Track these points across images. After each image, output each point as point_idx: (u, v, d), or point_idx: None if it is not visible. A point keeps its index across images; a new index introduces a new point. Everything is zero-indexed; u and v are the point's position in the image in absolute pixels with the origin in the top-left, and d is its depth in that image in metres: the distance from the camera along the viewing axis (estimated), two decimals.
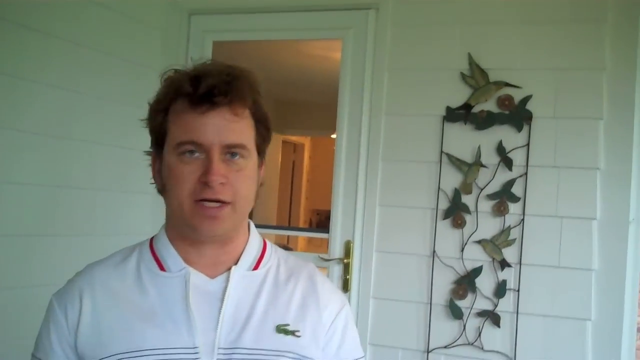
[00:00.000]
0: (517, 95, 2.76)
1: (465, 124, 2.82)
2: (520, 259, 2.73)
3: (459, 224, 2.82)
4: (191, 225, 1.26)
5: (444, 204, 2.85)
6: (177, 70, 1.30)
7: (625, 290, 2.65)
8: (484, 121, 2.79)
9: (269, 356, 1.26)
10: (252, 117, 1.30)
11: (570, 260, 2.67)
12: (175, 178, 1.25)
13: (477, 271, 2.78)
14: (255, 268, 1.35)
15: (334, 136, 3.09)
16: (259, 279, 1.34)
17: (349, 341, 1.40)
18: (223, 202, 1.24)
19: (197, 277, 1.29)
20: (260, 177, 1.36)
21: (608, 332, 2.65)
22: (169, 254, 1.32)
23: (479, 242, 2.79)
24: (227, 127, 1.25)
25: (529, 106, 2.74)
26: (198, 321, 1.25)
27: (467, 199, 2.81)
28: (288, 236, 8.15)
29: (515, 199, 2.74)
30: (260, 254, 1.38)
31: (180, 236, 1.31)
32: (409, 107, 2.93)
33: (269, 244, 1.43)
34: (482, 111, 2.80)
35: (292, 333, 1.30)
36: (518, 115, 2.75)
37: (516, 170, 2.75)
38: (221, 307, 1.27)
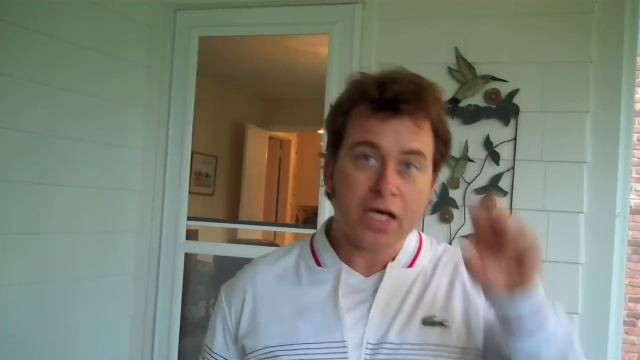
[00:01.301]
0: (504, 89, 2.76)
1: (452, 118, 2.82)
2: None
3: (446, 218, 2.81)
4: (355, 234, 1.25)
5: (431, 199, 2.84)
6: (365, 73, 1.29)
7: (612, 283, 2.66)
8: (471, 115, 2.79)
9: (412, 350, 1.25)
10: (433, 130, 1.26)
11: (557, 254, 2.67)
12: (347, 183, 1.23)
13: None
14: (410, 265, 1.34)
15: (320, 131, 3.08)
16: (412, 276, 1.33)
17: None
18: (391, 216, 1.21)
19: (350, 274, 1.31)
20: (430, 195, 1.32)
21: (595, 325, 2.65)
22: (326, 250, 1.34)
23: (466, 236, 2.78)
24: (407, 135, 1.21)
25: (516, 100, 2.74)
26: (348, 316, 1.27)
27: (455, 194, 2.81)
28: (275, 232, 8.15)
29: (502, 193, 2.74)
30: (416, 250, 1.36)
31: (343, 236, 1.31)
32: None
33: (425, 239, 1.40)
34: (469, 105, 2.79)
35: (440, 324, 1.28)
36: (505, 109, 2.75)
37: (503, 164, 2.75)
38: (372, 303, 1.28)
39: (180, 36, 3.23)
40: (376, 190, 1.20)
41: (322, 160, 1.34)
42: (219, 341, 1.39)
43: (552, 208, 2.69)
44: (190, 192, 3.28)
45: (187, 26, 3.22)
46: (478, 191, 2.77)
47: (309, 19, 3.12)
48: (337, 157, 1.28)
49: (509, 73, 2.75)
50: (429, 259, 1.37)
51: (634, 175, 7.39)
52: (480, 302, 1.31)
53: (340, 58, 3.01)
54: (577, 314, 2.65)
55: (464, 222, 2.78)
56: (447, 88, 2.83)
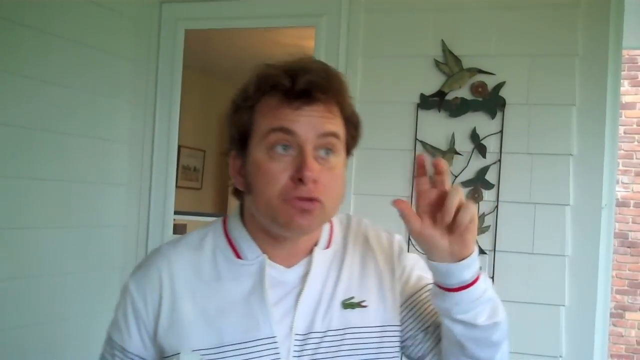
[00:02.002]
0: (491, 82, 2.76)
1: (439, 111, 2.82)
2: (495, 245, 2.74)
3: None
4: (280, 222, 1.21)
5: None
6: (269, 65, 1.26)
7: (598, 275, 2.67)
8: (458, 108, 2.79)
9: (336, 336, 1.26)
10: (343, 115, 1.26)
11: (544, 246, 2.68)
12: (263, 175, 1.20)
13: None
14: (328, 247, 1.34)
15: None
16: (329, 258, 1.32)
17: (412, 266, 1.39)
18: (315, 200, 1.19)
19: (273, 267, 1.28)
20: (345, 178, 1.31)
21: (581, 318, 2.66)
22: (245, 241, 1.30)
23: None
24: (321, 120, 1.21)
25: (502, 93, 2.74)
26: (275, 309, 1.25)
27: None
28: None
29: (489, 186, 2.75)
30: (329, 230, 1.36)
31: (260, 229, 1.28)
32: (383, 94, 2.92)
33: (335, 217, 1.37)
34: (455, 98, 2.79)
35: (359, 305, 1.29)
36: (491, 102, 2.75)
37: (490, 157, 2.76)
38: (299, 293, 1.26)
39: (166, 29, 3.21)
40: (298, 179, 1.18)
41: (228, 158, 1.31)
42: (134, 340, 1.29)
43: (539, 200, 2.69)
44: (178, 186, 3.27)
45: (173, 19, 3.21)
46: (465, 184, 2.77)
47: (295, 12, 3.11)
48: (246, 152, 1.25)
49: (495, 66, 2.76)
50: (340, 237, 1.37)
51: (621, 167, 7.42)
52: (395, 278, 1.35)
53: (327, 51, 3.00)
54: (563, 306, 2.66)
55: None
56: (434, 81, 2.83)
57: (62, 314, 2.91)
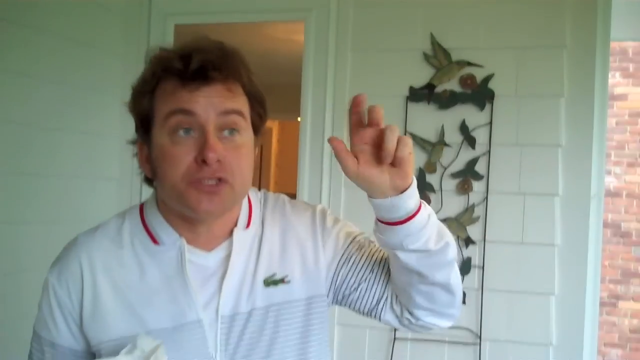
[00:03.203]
0: (479, 74, 2.78)
1: (428, 103, 2.84)
2: (485, 236, 2.76)
3: None
4: (188, 206, 1.19)
5: None
6: (165, 49, 1.24)
7: (587, 264, 2.69)
8: (447, 101, 2.81)
9: (261, 314, 1.26)
10: (246, 94, 1.25)
11: (534, 236, 2.70)
12: (167, 160, 1.18)
13: None
14: (248, 226, 1.32)
15: (299, 119, 3.09)
16: (250, 238, 1.31)
17: (336, 227, 1.39)
18: (221, 180, 1.18)
19: (192, 252, 1.26)
20: (255, 157, 1.29)
21: (571, 307, 2.69)
22: (162, 227, 1.27)
23: (443, 220, 2.81)
24: (221, 99, 1.19)
25: (491, 85, 2.76)
26: (199, 294, 1.24)
27: (432, 178, 2.83)
28: None
29: (478, 177, 2.77)
30: (248, 210, 1.34)
31: (175, 214, 1.26)
32: (372, 87, 2.93)
33: (254, 196, 1.37)
34: (444, 91, 2.81)
35: (281, 281, 1.29)
36: (480, 94, 2.77)
37: (479, 149, 2.78)
38: (222, 276, 1.25)
39: (155, 24, 3.22)
40: (201, 160, 1.16)
41: (134, 148, 1.30)
42: (63, 332, 1.28)
43: (528, 191, 2.72)
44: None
45: (162, 14, 3.21)
46: (454, 175, 2.79)
47: (285, 6, 3.12)
48: (150, 138, 1.23)
49: (484, 58, 2.78)
50: (260, 215, 1.35)
51: (613, 158, 7.45)
52: (319, 246, 1.35)
53: (316, 45, 3.01)
54: (553, 295, 2.68)
55: (441, 206, 2.81)
56: (423, 74, 2.85)
57: None
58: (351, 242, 1.37)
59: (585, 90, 2.69)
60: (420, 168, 2.84)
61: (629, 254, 7.62)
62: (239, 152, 1.20)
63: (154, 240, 1.28)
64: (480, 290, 2.76)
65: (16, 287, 2.74)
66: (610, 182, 7.44)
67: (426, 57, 2.84)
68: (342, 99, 2.96)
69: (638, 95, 7.51)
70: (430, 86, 2.83)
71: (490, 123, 2.76)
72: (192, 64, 1.17)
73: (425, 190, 2.83)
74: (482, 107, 2.77)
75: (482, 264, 2.76)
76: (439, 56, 2.82)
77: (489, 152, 2.76)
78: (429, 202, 2.80)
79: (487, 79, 2.76)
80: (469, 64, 2.79)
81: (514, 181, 2.73)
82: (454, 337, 2.80)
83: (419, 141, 2.83)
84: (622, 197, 7.57)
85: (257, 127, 1.29)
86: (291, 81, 3.38)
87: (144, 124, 1.24)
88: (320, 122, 2.99)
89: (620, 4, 2.86)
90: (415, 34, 2.87)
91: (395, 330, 2.85)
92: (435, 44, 2.83)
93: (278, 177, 9.07)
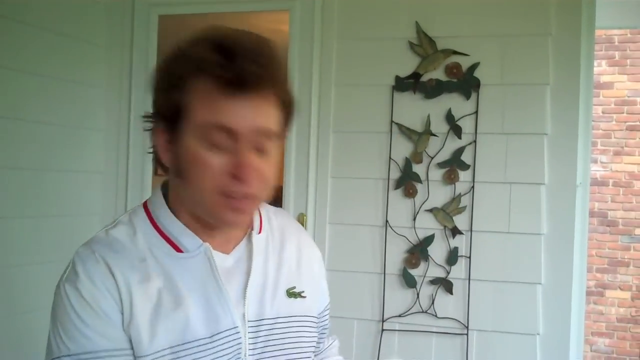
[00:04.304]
0: (465, 63, 2.77)
1: (414, 93, 2.82)
2: (471, 226, 2.75)
3: (410, 193, 2.83)
4: (214, 215, 1.17)
5: (395, 174, 2.85)
6: (199, 40, 1.13)
7: (574, 253, 2.69)
8: (433, 90, 2.80)
9: (284, 323, 1.26)
10: (281, 103, 1.17)
11: (520, 225, 2.70)
12: (200, 167, 1.12)
13: (429, 239, 2.80)
14: (260, 231, 1.31)
15: None
16: (264, 242, 1.30)
17: (324, 286, 1.45)
18: (250, 195, 1.15)
19: (215, 255, 1.21)
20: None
21: (558, 296, 2.69)
22: (182, 232, 1.21)
23: (430, 210, 2.81)
24: (260, 112, 1.12)
25: (477, 73, 2.75)
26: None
27: (418, 168, 2.82)
28: None
29: (465, 166, 2.76)
30: (259, 216, 1.32)
31: (192, 216, 1.21)
32: (358, 77, 2.92)
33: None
34: (430, 80, 2.80)
35: (299, 295, 1.30)
36: (466, 83, 2.76)
37: (465, 138, 2.77)
38: (246, 279, 1.23)
39: (139, 15, 3.19)
40: (236, 176, 1.12)
41: (150, 128, 1.19)
42: (97, 339, 1.13)
43: (514, 180, 2.71)
44: (157, 175, 3.25)
45: (146, 4, 3.18)
46: (441, 165, 2.78)
47: None
48: (177, 131, 1.14)
49: (469, 47, 2.76)
50: (268, 222, 1.35)
51: (599, 147, 7.47)
52: (322, 287, 1.43)
53: (301, 34, 2.99)
54: (540, 284, 2.69)
55: (428, 196, 2.80)
56: (409, 63, 2.84)
57: (39, 304, 2.89)
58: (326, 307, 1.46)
59: (570, 78, 2.68)
60: (406, 158, 2.83)
61: (615, 242, 7.65)
62: (269, 166, 1.16)
63: (177, 248, 1.21)
64: (468, 281, 2.75)
65: (2, 282, 2.72)
66: (597, 171, 7.46)
67: (412, 46, 2.83)
68: (327, 89, 2.94)
69: (624, 83, 7.52)
70: (416, 75, 2.82)
71: (476, 112, 2.75)
72: (234, 69, 1.08)
73: (412, 180, 2.82)
74: (468, 96, 2.76)
75: (469, 254, 2.75)
76: (424, 45, 2.81)
77: (475, 141, 2.76)
78: (415, 192, 2.80)
79: (473, 67, 2.75)
80: (455, 52, 2.78)
81: (500, 170, 2.73)
82: (442, 328, 2.79)
83: (405, 131, 2.82)
84: (608, 186, 7.59)
85: (284, 136, 1.23)
86: None
87: (173, 116, 1.14)
88: (306, 112, 2.98)
89: None
90: (400, 23, 2.86)
91: (383, 321, 2.85)
92: (420, 32, 2.82)
93: None
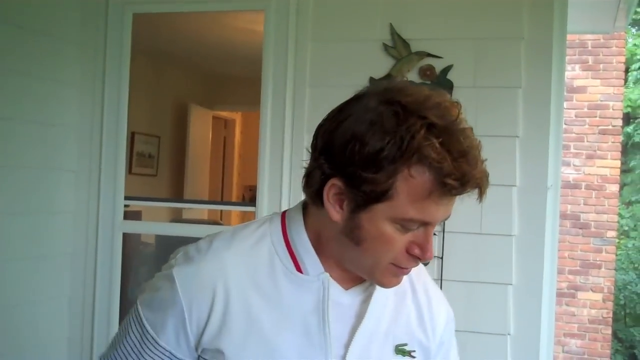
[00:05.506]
0: (439, 66, 2.78)
1: None
2: (444, 226, 2.77)
3: None
4: (374, 279, 1.18)
5: None
6: (410, 112, 1.08)
7: (544, 255, 2.72)
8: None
9: None
10: None
11: (491, 226, 2.72)
12: (385, 245, 1.12)
13: None
14: None
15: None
16: (387, 290, 1.24)
17: (454, 352, 1.38)
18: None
19: (332, 287, 1.19)
20: None
21: (528, 296, 2.71)
22: (309, 256, 1.19)
23: None
24: (451, 208, 1.15)
25: (450, 76, 2.77)
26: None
27: None
28: (221, 211, 8.13)
29: None
30: None
31: (327, 252, 1.20)
32: (332, 78, 2.92)
33: None
34: (404, 81, 2.82)
35: (409, 354, 1.25)
36: (439, 85, 2.77)
37: None
38: (356, 322, 1.20)
39: (113, 13, 3.16)
40: (415, 256, 1.13)
41: (328, 184, 1.14)
42: (169, 337, 1.18)
43: None
44: (132, 173, 3.24)
45: (120, 2, 3.16)
46: None
47: None
48: (369, 207, 1.10)
49: (443, 49, 2.78)
50: None
51: (572, 150, 7.55)
52: (438, 333, 1.32)
53: (276, 35, 2.99)
54: (511, 284, 2.71)
55: None
56: (383, 65, 2.85)
57: (12, 300, 2.88)
58: None
59: (542, 81, 2.71)
60: None
61: (588, 245, 7.74)
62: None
63: (298, 268, 1.19)
64: (440, 281, 2.77)
65: None
66: (569, 174, 7.54)
67: (386, 47, 2.84)
68: (302, 90, 2.95)
69: (597, 87, 7.61)
70: (390, 77, 2.83)
71: None
72: (464, 188, 1.09)
73: None
74: None
75: (441, 254, 2.77)
76: (398, 47, 2.83)
77: None
78: None
79: (446, 70, 2.77)
80: (429, 55, 2.79)
81: None
82: None
83: None
84: (581, 189, 7.68)
85: None
86: (252, 72, 3.36)
87: (371, 197, 1.10)
88: (280, 113, 2.98)
89: None
90: (375, 25, 2.87)
91: None
92: (394, 34, 2.83)
93: (241, 168, 9.02)
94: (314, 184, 1.16)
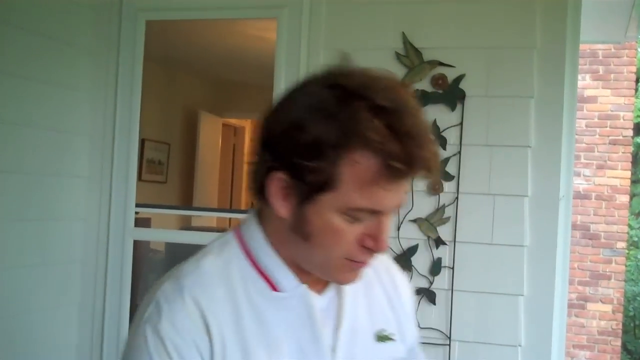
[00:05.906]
0: (451, 75, 2.78)
1: None
2: (455, 236, 2.76)
3: None
4: (330, 277, 1.14)
5: None
6: (350, 94, 1.03)
7: (556, 265, 2.70)
8: (419, 100, 2.79)
9: None
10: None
11: (503, 237, 2.71)
12: (335, 237, 1.07)
13: (412, 250, 2.81)
14: None
15: None
16: (354, 284, 1.20)
17: (413, 321, 1.38)
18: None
19: (311, 297, 1.16)
20: None
21: (540, 307, 2.70)
22: (281, 271, 1.14)
23: (414, 220, 2.81)
24: (404, 196, 1.08)
25: (462, 85, 2.76)
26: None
27: None
28: (230, 219, 8.13)
29: (449, 177, 2.77)
30: None
31: (293, 259, 1.14)
32: None
33: None
34: (416, 90, 2.80)
35: (389, 338, 1.24)
36: (451, 94, 2.77)
37: (450, 149, 2.78)
38: (336, 323, 1.17)
39: (126, 20, 3.17)
40: (369, 248, 1.08)
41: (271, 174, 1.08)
42: None
43: (498, 192, 2.72)
44: (142, 180, 3.25)
45: (133, 9, 3.17)
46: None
47: (256, 3, 3.11)
48: (313, 198, 1.05)
49: (455, 58, 2.78)
50: None
51: (582, 160, 7.53)
52: (407, 310, 1.33)
53: (289, 43, 3.00)
54: (522, 295, 2.69)
55: (412, 206, 2.80)
56: (395, 73, 2.83)
57: (23, 307, 2.88)
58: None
59: (554, 91, 2.70)
60: None
61: (597, 255, 7.70)
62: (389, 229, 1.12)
63: (272, 286, 1.14)
64: (451, 291, 2.76)
65: None
66: (580, 184, 7.52)
67: (398, 56, 2.84)
68: None
69: (607, 97, 7.59)
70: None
71: (461, 123, 2.76)
72: (409, 157, 1.00)
73: None
74: (453, 107, 2.77)
75: (452, 265, 2.76)
76: (410, 56, 2.82)
77: (460, 152, 2.77)
78: None
79: (459, 79, 2.77)
80: (441, 63, 2.79)
81: (484, 182, 2.74)
82: (424, 338, 2.77)
83: None
84: (591, 199, 7.65)
85: None
86: (262, 79, 3.37)
87: (313, 187, 1.05)
88: None
89: (590, 7, 2.89)
90: (387, 33, 2.87)
91: None
92: (407, 43, 2.83)
93: None
94: (258, 179, 1.10)
